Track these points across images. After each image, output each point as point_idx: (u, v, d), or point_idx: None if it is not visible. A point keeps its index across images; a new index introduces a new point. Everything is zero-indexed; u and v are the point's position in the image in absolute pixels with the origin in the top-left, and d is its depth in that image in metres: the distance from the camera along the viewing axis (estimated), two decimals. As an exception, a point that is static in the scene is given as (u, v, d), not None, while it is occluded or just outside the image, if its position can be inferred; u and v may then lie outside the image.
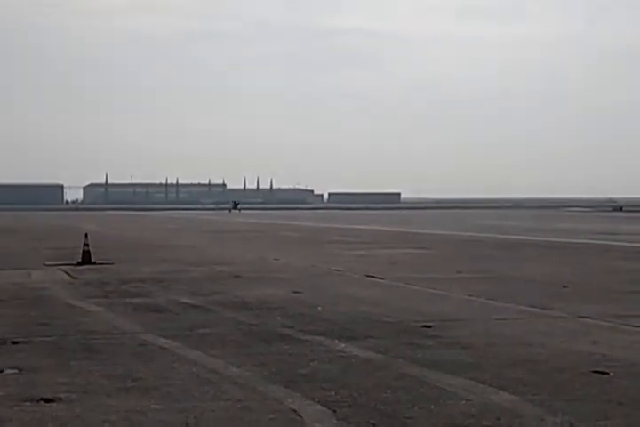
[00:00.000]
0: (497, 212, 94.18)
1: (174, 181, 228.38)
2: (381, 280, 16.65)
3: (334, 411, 6.45)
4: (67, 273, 18.44)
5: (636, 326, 10.53)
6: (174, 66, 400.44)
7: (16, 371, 7.95)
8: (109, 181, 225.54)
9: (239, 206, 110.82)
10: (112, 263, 20.71)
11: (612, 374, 7.70)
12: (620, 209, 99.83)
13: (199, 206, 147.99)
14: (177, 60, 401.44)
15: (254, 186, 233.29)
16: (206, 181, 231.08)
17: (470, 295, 13.94)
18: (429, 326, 10.50)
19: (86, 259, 20.83)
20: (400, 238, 34.12)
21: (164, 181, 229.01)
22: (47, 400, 6.81)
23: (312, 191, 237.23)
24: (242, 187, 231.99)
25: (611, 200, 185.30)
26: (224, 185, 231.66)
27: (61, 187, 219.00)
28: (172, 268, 19.52)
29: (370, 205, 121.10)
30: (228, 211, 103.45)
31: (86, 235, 21.49)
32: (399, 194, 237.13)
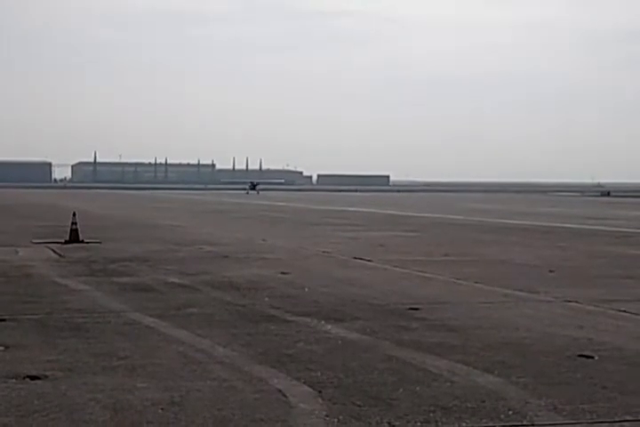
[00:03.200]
0: (485, 196, 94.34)
1: (163, 161, 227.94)
2: (369, 262, 16.67)
3: (320, 392, 6.47)
4: (54, 251, 18.39)
5: (622, 311, 10.58)
6: (168, 45, 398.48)
7: (2, 348, 7.94)
8: (98, 160, 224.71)
9: (257, 188, 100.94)
10: (100, 242, 20.66)
11: (596, 358, 7.74)
12: (608, 194, 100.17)
13: (211, 186, 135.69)
14: (171, 39, 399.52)
15: (243, 167, 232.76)
16: (195, 162, 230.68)
17: (457, 278, 13.97)
18: (416, 309, 10.53)
19: (74, 237, 20.78)
20: (389, 221, 34.15)
21: (152, 161, 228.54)
22: (33, 378, 6.80)
23: (301, 173, 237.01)
24: (231, 167, 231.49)
25: (599, 185, 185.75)
26: (213, 165, 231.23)
27: (50, 165, 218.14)
28: (159, 247, 19.48)
29: (359, 188, 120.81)
30: (245, 192, 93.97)
31: (74, 213, 21.42)
32: (388, 176, 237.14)
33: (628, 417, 5.86)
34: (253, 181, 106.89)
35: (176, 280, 13.37)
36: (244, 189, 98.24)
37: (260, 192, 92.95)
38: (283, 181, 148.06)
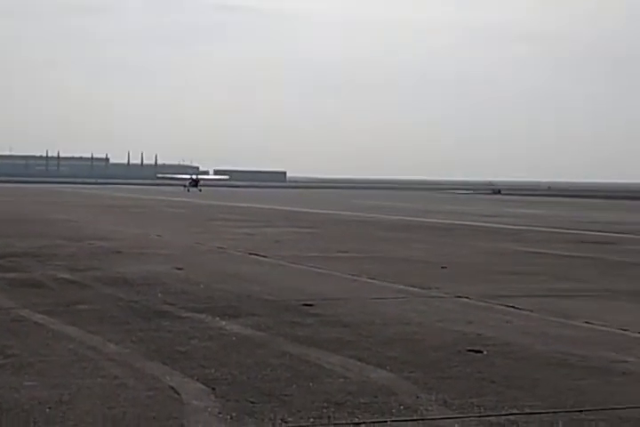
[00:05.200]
0: (383, 192, 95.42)
1: (55, 155, 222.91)
2: (265, 258, 16.66)
3: (213, 389, 6.43)
4: (-61, 246, 17.77)
5: (511, 306, 10.84)
6: (60, 36, 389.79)
7: None
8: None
9: (200, 184, 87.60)
10: (-13, 237, 20.06)
11: (485, 352, 7.91)
12: (499, 192, 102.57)
13: (148, 182, 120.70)
14: (57, 30, 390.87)
15: (138, 161, 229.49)
16: (89, 155, 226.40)
17: (352, 275, 14.09)
18: (311, 305, 10.57)
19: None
20: (285, 217, 34.20)
21: (44, 154, 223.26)
22: None
23: (197, 168, 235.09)
24: (126, 162, 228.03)
25: (490, 183, 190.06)
26: (107, 159, 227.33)
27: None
28: (49, 242, 19.05)
29: (255, 184, 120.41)
30: (185, 189, 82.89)
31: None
32: (285, 173, 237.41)
33: (514, 411, 6.00)
34: (194, 177, 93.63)
35: (66, 276, 13.09)
36: (184, 186, 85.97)
37: (202, 189, 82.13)
38: (227, 177, 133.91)
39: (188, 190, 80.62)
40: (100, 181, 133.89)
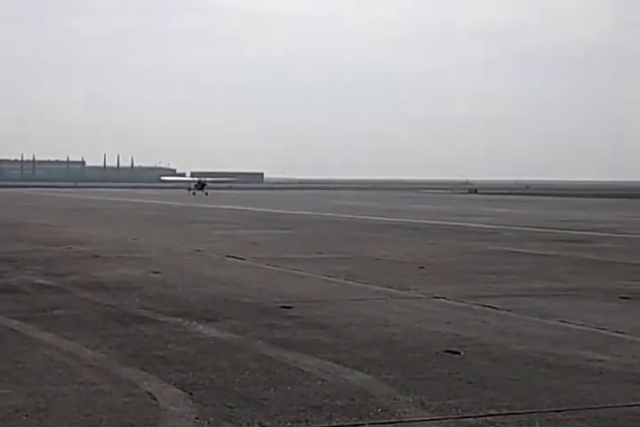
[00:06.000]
0: (358, 193, 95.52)
1: (30, 158, 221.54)
2: (242, 261, 16.63)
3: (190, 394, 6.41)
4: None
5: (488, 306, 10.88)
6: (34, 37, 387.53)
7: None
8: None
9: (206, 187, 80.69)
10: (-38, 242, 19.91)
11: (463, 353, 7.94)
12: (475, 191, 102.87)
13: (149, 185, 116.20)
14: (36, 31, 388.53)
15: (114, 164, 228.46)
16: (64, 159, 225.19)
17: (330, 276, 14.09)
18: (289, 307, 10.56)
19: None
20: (263, 219, 34.16)
21: (19, 158, 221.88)
22: None
23: (174, 170, 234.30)
24: (102, 165, 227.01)
25: (467, 182, 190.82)
26: (83, 162, 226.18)
27: None
28: (26, 247, 18.93)
29: (233, 185, 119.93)
30: (190, 192, 76.76)
31: None
32: (262, 174, 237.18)
33: (492, 411, 6.03)
34: (201, 180, 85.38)
35: (43, 281, 13.01)
36: (189, 189, 80.00)
37: (209, 193, 75.77)
38: (235, 179, 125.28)
39: (194, 194, 74.85)
40: (78, 184, 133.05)
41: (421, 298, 11.68)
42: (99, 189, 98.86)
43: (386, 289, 12.50)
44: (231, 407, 6.06)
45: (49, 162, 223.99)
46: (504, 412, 6.02)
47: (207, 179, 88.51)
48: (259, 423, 5.71)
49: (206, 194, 73.58)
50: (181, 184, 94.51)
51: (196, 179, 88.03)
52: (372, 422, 5.78)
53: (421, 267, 15.66)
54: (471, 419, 5.86)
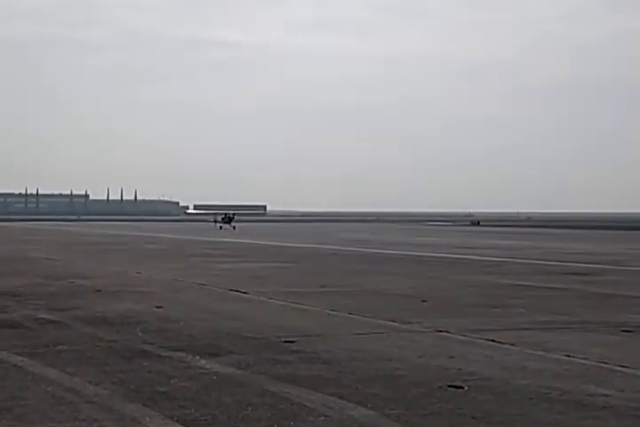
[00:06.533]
0: (361, 225, 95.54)
1: (34, 191, 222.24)
2: (245, 295, 16.62)
3: (193, 430, 6.39)
4: None
5: (491, 340, 10.86)
6: (41, 72, 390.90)
7: None
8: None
9: (233, 221, 75.69)
10: (-34, 277, 19.92)
11: (466, 388, 7.92)
12: (478, 223, 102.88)
13: (174, 218, 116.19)
14: (43, 66, 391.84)
15: (118, 197, 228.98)
16: (68, 192, 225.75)
17: (332, 310, 14.08)
18: (292, 342, 10.55)
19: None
20: (266, 252, 34.16)
21: (23, 191, 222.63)
22: None
23: (177, 203, 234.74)
24: (105, 198, 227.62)
25: (469, 215, 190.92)
26: (87, 196, 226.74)
27: None
28: (29, 281, 18.94)
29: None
30: (217, 226, 73.08)
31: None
32: (265, 206, 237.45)
33: (495, 447, 6.00)
34: (228, 213, 79.31)
35: (46, 316, 13.01)
36: (215, 222, 76.33)
37: (237, 227, 71.88)
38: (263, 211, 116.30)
39: (220, 228, 71.00)
40: (82, 217, 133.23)
41: (424, 332, 11.66)
42: (103, 223, 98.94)
43: (389, 323, 12.49)
44: (234, 444, 6.04)
45: (52, 195, 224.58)
46: (508, 447, 5.99)
47: (235, 211, 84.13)
48: (261, 460, 5.68)
49: (234, 228, 70.51)
50: (205, 217, 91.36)
51: (223, 212, 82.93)
52: (375, 458, 5.76)
53: (424, 301, 15.64)
54: (475, 455, 5.84)
